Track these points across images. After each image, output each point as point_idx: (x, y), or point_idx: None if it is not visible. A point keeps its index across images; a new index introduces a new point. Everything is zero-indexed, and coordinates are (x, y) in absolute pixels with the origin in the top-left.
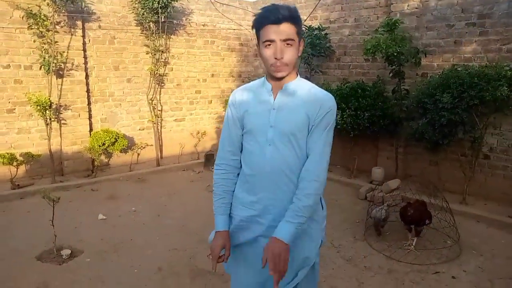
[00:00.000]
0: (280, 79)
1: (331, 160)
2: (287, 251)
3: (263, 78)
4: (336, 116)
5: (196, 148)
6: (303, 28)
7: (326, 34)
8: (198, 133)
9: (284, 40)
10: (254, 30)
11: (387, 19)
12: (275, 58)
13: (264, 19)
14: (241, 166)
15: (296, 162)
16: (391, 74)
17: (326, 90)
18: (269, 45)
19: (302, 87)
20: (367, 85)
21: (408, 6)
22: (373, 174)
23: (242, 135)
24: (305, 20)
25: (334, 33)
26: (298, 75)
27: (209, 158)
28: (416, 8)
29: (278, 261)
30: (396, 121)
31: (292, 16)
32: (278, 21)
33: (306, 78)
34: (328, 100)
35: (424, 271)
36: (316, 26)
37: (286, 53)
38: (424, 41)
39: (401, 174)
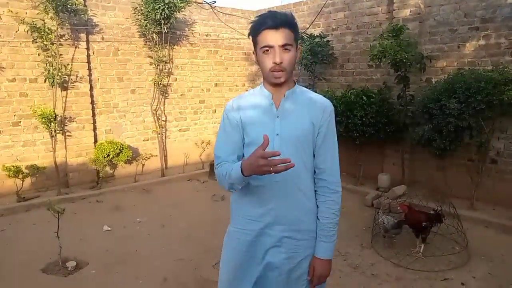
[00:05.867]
0: (279, 85)
1: None
2: (330, 265)
3: (259, 86)
4: (342, 124)
5: (200, 158)
6: (305, 36)
7: (328, 41)
8: (203, 142)
9: (283, 45)
10: (250, 37)
11: (392, 24)
12: (274, 63)
13: (262, 25)
14: None
15: (303, 170)
16: (396, 80)
17: (331, 97)
18: (267, 50)
19: (302, 94)
20: (372, 92)
21: (410, 12)
22: (379, 180)
23: (244, 144)
24: (307, 28)
25: (336, 40)
26: (296, 83)
27: (213, 168)
28: (419, 14)
29: (322, 279)
30: (402, 127)
31: (289, 22)
32: (276, 26)
33: (310, 85)
34: (329, 105)
35: (433, 278)
36: (317, 34)
37: (285, 58)
38: (427, 46)
39: (407, 180)
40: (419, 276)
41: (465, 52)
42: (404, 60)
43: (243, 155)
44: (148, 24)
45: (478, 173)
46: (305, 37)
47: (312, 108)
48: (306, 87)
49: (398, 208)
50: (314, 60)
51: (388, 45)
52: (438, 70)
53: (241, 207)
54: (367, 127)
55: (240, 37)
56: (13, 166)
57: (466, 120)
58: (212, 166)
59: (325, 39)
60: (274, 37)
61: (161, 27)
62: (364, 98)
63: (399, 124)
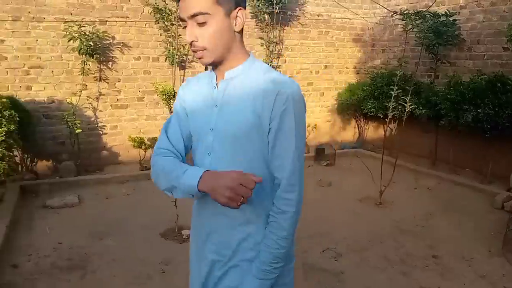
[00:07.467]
0: (215, 66)
1: (458, 162)
2: None
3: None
4: (470, 113)
5: (306, 141)
6: (428, 15)
7: (454, 20)
8: (309, 126)
9: (193, 17)
10: None
11: None
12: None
13: None
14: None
15: None
16: None
17: (456, 83)
18: (184, 25)
19: (250, 73)
20: (508, 78)
21: None
22: None
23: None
24: (430, 6)
25: (465, 19)
26: (251, 56)
27: (319, 152)
28: None
29: None
30: None
31: None
32: None
33: (431, 69)
34: (285, 89)
35: None
36: (443, 12)
37: (201, 34)
38: None
39: None
40: None
41: None
42: None
43: (191, 147)
44: (260, 5)
45: None
46: (428, 15)
47: (261, 94)
48: (428, 71)
49: None
50: (437, 41)
51: None
52: None
53: (196, 206)
54: (501, 118)
55: (353, 17)
56: (137, 137)
57: None
58: (318, 150)
59: (451, 18)
60: (182, 8)
61: (273, 7)
62: (498, 85)
63: None
